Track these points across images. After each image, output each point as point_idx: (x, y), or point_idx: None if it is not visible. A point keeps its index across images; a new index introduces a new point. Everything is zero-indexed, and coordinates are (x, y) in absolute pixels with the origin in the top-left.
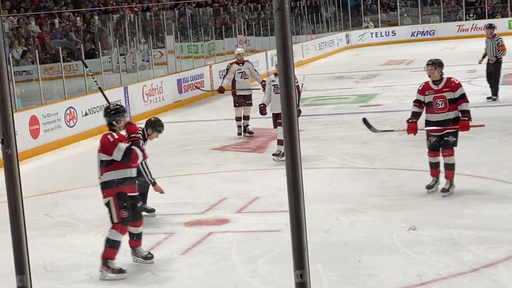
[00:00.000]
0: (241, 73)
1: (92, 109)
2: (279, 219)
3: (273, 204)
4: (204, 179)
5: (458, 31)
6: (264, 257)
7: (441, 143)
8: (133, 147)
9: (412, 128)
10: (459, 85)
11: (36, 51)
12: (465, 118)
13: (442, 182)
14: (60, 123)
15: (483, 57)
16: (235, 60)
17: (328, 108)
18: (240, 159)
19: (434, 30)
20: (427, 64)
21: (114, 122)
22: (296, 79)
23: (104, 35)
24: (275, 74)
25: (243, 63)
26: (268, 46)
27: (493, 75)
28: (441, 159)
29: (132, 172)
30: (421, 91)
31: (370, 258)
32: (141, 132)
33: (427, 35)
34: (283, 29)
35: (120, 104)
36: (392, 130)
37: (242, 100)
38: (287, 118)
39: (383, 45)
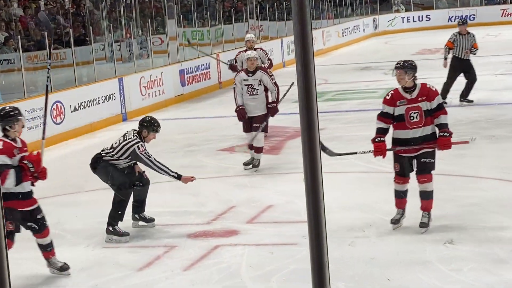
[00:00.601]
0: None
1: (82, 104)
2: (295, 230)
3: (289, 214)
4: (210, 184)
5: (502, 16)
6: (279, 274)
7: (417, 167)
8: (11, 169)
9: (380, 148)
10: (436, 93)
11: (19, 37)
12: (445, 133)
13: (412, 214)
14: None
15: None
16: (245, 47)
17: (353, 103)
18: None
19: (474, 15)
20: (396, 68)
21: (7, 127)
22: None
23: (96, 19)
24: (247, 71)
25: (254, 51)
26: (283, 32)
27: None
28: (410, 186)
29: (24, 187)
30: (390, 102)
31: (400, 276)
32: (136, 135)
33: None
34: (302, 13)
35: (14, 106)
36: (355, 153)
37: None
38: (306, 116)
39: (416, 32)
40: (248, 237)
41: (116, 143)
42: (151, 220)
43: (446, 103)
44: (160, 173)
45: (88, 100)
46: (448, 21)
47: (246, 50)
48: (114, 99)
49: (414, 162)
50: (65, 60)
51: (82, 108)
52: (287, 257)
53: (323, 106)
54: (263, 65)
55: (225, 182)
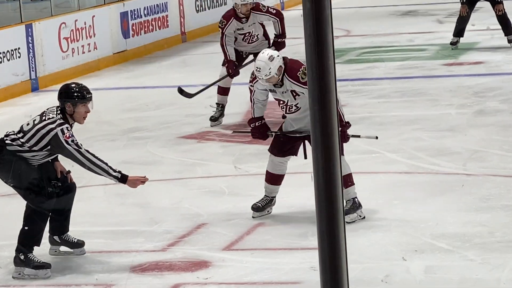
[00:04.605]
0: (243, 35)
1: None
2: (299, 261)
3: (289, 236)
4: (168, 189)
5: None
6: None
7: None
8: None
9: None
10: None
11: None
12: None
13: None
14: None
15: None
16: (232, 12)
17: (390, 67)
18: (231, 154)
19: None
20: None
21: None
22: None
23: None
24: (239, 18)
25: (247, 18)
26: None
27: None
28: None
29: None
30: None
31: None
32: (59, 114)
33: None
34: None
35: None
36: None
37: (242, 61)
38: (318, 87)
39: None
40: (225, 271)
41: (28, 125)
42: (78, 244)
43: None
44: (94, 171)
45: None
46: None
47: (237, 17)
48: (19, 57)
49: None
50: None
51: None
52: None
53: (343, 71)
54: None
55: (191, 187)
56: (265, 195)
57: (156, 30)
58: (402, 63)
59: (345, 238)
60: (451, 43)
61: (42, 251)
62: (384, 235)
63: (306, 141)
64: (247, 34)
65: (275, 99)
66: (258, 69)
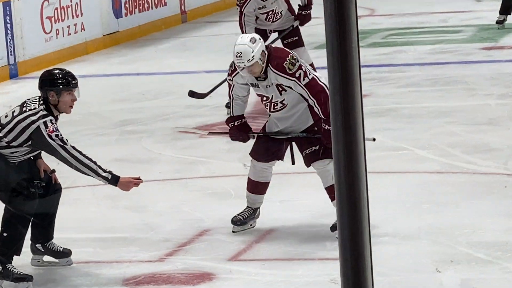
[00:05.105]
0: (266, 14)
1: None
2: (315, 273)
3: (304, 244)
4: (166, 191)
5: None
6: None
7: None
8: None
9: None
10: None
11: None
12: None
13: None
14: None
15: None
16: None
17: (420, 51)
18: (238, 151)
19: None
20: None
21: None
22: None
23: None
24: None
25: None
26: None
27: None
28: None
29: None
30: None
31: None
32: (41, 105)
33: None
34: None
35: None
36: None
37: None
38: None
39: None
40: (232, 285)
41: (6, 117)
42: (64, 253)
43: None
44: (81, 171)
45: None
46: None
47: None
48: None
49: None
50: None
51: None
52: None
53: (367, 56)
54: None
55: (192, 188)
56: (247, 206)
57: (152, 8)
58: (433, 47)
59: (370, 246)
60: (497, 22)
61: (22, 261)
62: (413, 244)
63: (294, 144)
64: (270, 12)
65: (258, 95)
66: (239, 55)
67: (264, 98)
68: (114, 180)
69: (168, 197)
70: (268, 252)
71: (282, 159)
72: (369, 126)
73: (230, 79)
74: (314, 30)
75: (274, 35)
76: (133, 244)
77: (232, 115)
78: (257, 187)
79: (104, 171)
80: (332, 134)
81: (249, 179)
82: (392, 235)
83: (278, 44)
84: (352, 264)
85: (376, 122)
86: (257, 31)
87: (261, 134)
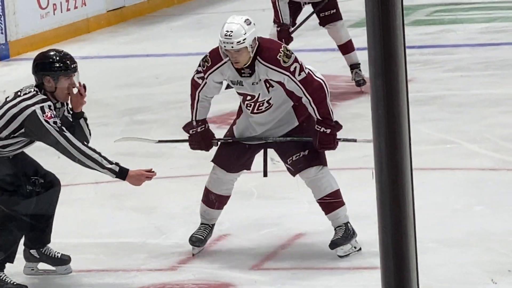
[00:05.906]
0: None
1: None
2: (351, 284)
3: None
4: (178, 190)
5: None
6: None
7: None
8: None
9: None
10: None
11: None
12: None
13: None
14: None
15: None
16: None
17: (470, 30)
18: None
19: None
20: None
21: None
22: None
23: None
24: None
25: None
26: None
27: None
28: None
29: None
30: None
31: None
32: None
33: None
34: None
35: None
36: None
37: (298, 13)
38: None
39: None
40: None
41: None
42: (62, 260)
43: None
44: (83, 164)
45: None
46: None
47: None
48: None
49: None
50: None
51: None
52: None
53: (409, 36)
54: None
55: None
56: (202, 223)
57: None
58: (486, 26)
59: (416, 254)
60: None
61: (15, 268)
62: (462, 251)
63: (270, 150)
64: None
65: (239, 94)
66: (229, 33)
67: (248, 98)
68: (122, 173)
69: (180, 196)
70: (296, 260)
71: (249, 169)
72: (412, 116)
73: (198, 77)
74: (347, 6)
75: (308, 8)
76: (141, 250)
77: (193, 118)
78: (217, 201)
79: (110, 162)
80: (373, 124)
81: (207, 190)
82: (438, 241)
83: (314, 18)
84: (396, 274)
85: (420, 112)
86: (291, 3)
87: (230, 140)
